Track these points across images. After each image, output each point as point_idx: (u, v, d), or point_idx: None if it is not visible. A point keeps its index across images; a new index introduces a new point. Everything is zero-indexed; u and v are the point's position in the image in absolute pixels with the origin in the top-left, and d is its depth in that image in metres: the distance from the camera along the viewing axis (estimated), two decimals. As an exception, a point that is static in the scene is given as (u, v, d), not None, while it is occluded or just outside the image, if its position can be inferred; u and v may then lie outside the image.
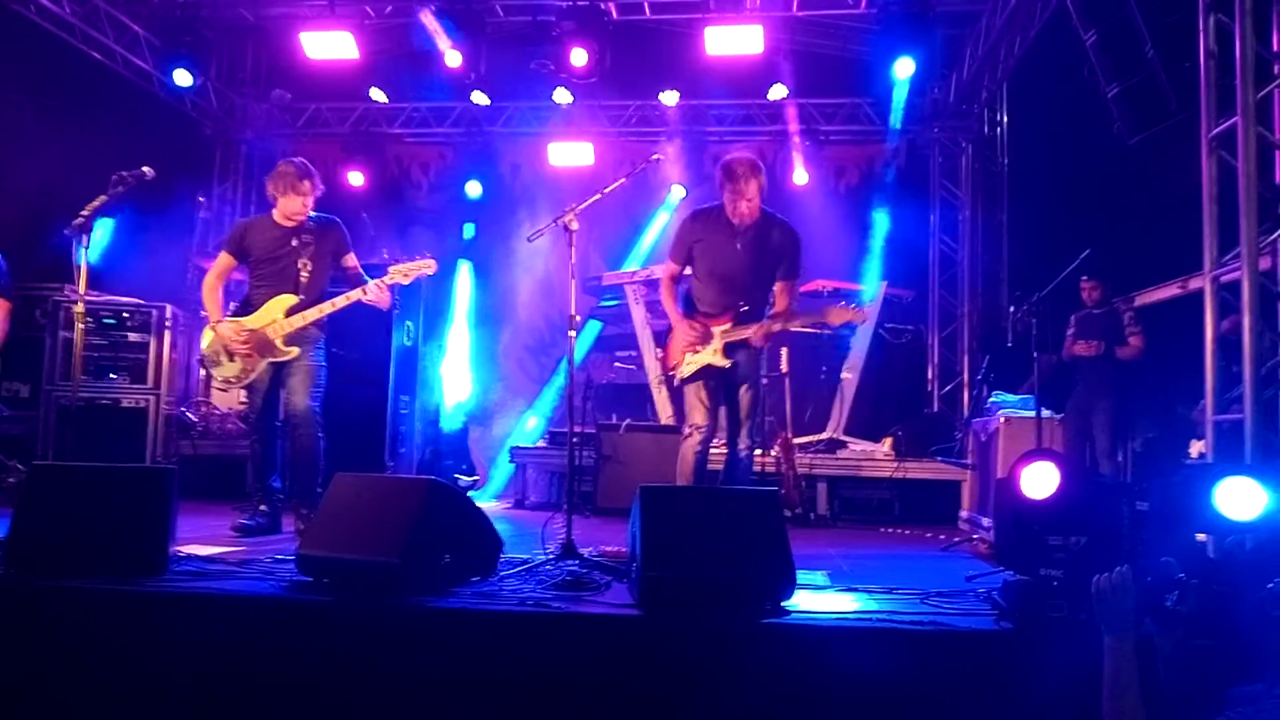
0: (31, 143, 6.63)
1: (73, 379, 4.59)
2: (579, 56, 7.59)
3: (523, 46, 8.29)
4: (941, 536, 5.57)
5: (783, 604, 3.02)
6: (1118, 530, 2.89)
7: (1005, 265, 8.90)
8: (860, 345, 7.87)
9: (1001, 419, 5.34)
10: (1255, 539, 2.80)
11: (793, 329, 4.97)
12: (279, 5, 8.15)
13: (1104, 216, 6.87)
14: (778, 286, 4.41)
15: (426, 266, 4.74)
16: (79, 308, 4.38)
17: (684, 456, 4.39)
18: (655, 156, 4.77)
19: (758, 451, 4.90)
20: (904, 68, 7.45)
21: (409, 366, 6.62)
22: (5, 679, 2.98)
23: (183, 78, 7.76)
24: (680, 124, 9.21)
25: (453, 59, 7.73)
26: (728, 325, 4.34)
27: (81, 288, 4.37)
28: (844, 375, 7.80)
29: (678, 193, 9.17)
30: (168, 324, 6.52)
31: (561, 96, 8.68)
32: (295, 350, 4.61)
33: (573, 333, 4.21)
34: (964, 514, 6.05)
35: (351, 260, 4.80)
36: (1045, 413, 5.13)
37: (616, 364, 8.52)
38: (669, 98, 8.97)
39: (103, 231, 5.97)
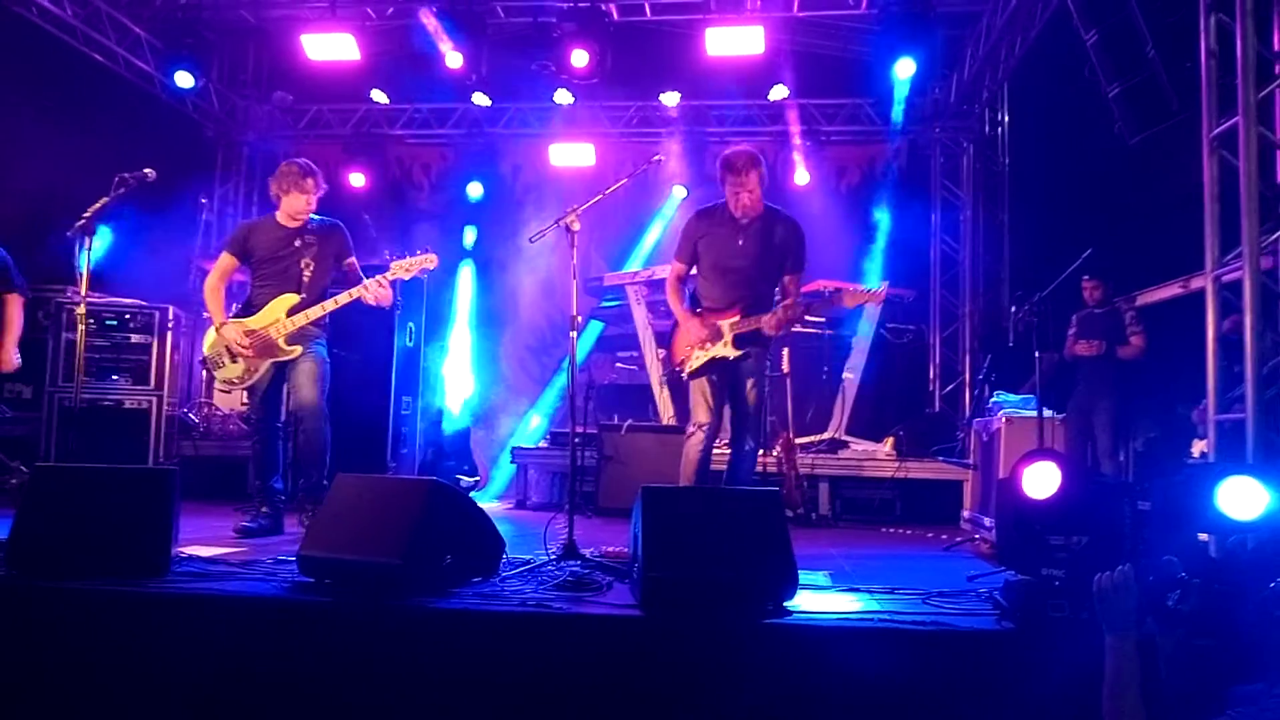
0: (33, 145, 6.64)
1: (75, 380, 4.60)
2: (580, 57, 7.60)
3: (524, 47, 8.30)
4: (943, 536, 5.57)
5: (785, 604, 3.02)
6: (1119, 530, 2.88)
7: (1007, 265, 8.90)
8: (862, 345, 7.86)
9: (1003, 419, 5.34)
10: (1257, 538, 2.80)
11: (809, 316, 4.97)
12: (280, 7, 8.16)
13: (1105, 216, 6.87)
14: (785, 279, 4.42)
15: (428, 261, 4.73)
16: (81, 309, 4.39)
17: (687, 454, 4.40)
18: (656, 157, 4.77)
19: (760, 451, 4.90)
20: (905, 68, 7.45)
21: (411, 367, 6.62)
22: (7, 680, 2.98)
23: (184, 79, 7.77)
24: (681, 124, 9.21)
25: (454, 60, 7.74)
26: (736, 318, 4.34)
27: (84, 289, 4.38)
28: (845, 375, 7.79)
29: (679, 193, 9.17)
30: (170, 325, 6.54)
31: (562, 97, 8.69)
32: (297, 349, 4.62)
33: (574, 333, 4.21)
34: (966, 514, 6.05)
35: (353, 263, 4.81)
36: (1047, 412, 5.13)
37: (618, 364, 8.52)
38: (670, 98, 8.98)
39: (105, 234, 5.98)
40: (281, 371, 4.66)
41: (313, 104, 9.59)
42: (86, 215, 4.35)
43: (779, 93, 8.73)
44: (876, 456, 6.98)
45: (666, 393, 7.68)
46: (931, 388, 9.01)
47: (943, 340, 9.07)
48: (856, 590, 3.44)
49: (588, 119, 9.25)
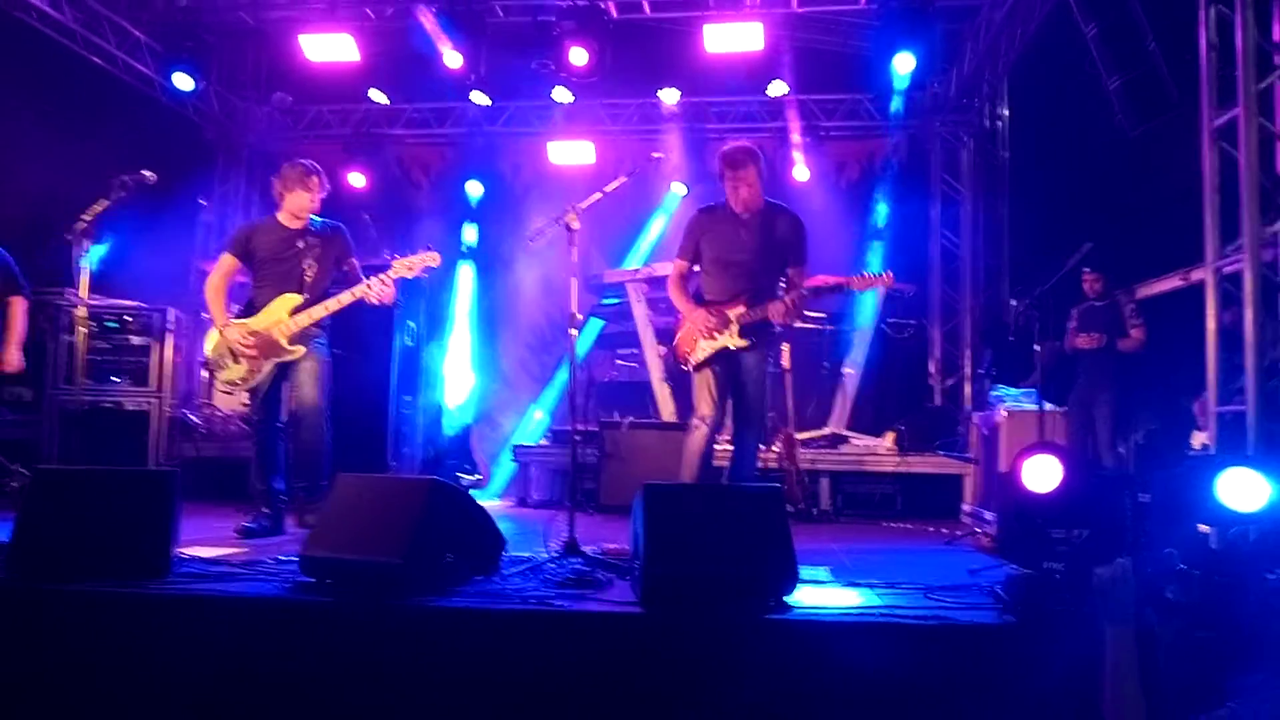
0: (33, 148, 6.65)
1: (75, 383, 4.60)
2: (579, 56, 7.59)
3: (523, 46, 8.29)
4: (944, 531, 5.56)
5: (786, 600, 3.02)
6: (1120, 522, 2.88)
7: (1007, 259, 8.89)
8: (862, 340, 7.86)
9: (1004, 412, 5.34)
10: (1258, 530, 2.80)
11: (810, 313, 4.97)
12: (279, 8, 8.16)
13: (1106, 209, 6.86)
14: (790, 273, 4.43)
15: (430, 259, 4.72)
16: (81, 311, 4.40)
17: (689, 447, 4.40)
18: (656, 155, 4.78)
19: (761, 447, 4.91)
20: (904, 62, 7.43)
21: (411, 366, 6.63)
22: (8, 682, 2.99)
23: (184, 82, 7.77)
24: (681, 122, 9.20)
25: (453, 60, 7.73)
26: (742, 309, 4.35)
27: (84, 292, 4.38)
28: (846, 370, 7.79)
29: (679, 190, 9.17)
30: (170, 327, 6.54)
31: (562, 96, 8.68)
32: (300, 349, 4.62)
33: (574, 331, 4.21)
34: (966, 508, 6.05)
35: (354, 265, 4.81)
36: (1047, 405, 5.12)
37: (618, 362, 8.52)
38: (669, 96, 8.97)
39: (106, 236, 5.98)
40: (283, 372, 4.66)
41: (312, 105, 9.60)
42: (85, 218, 4.35)
43: (778, 88, 8.72)
44: (877, 451, 6.98)
45: (667, 390, 7.68)
46: (932, 382, 9.00)
47: (943, 334, 9.06)
48: (858, 585, 3.43)
49: (587, 117, 9.24)
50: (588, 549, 3.81)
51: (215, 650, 2.97)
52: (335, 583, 3.18)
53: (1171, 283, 6.28)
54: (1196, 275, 5.00)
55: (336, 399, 4.80)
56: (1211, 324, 4.56)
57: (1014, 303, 5.75)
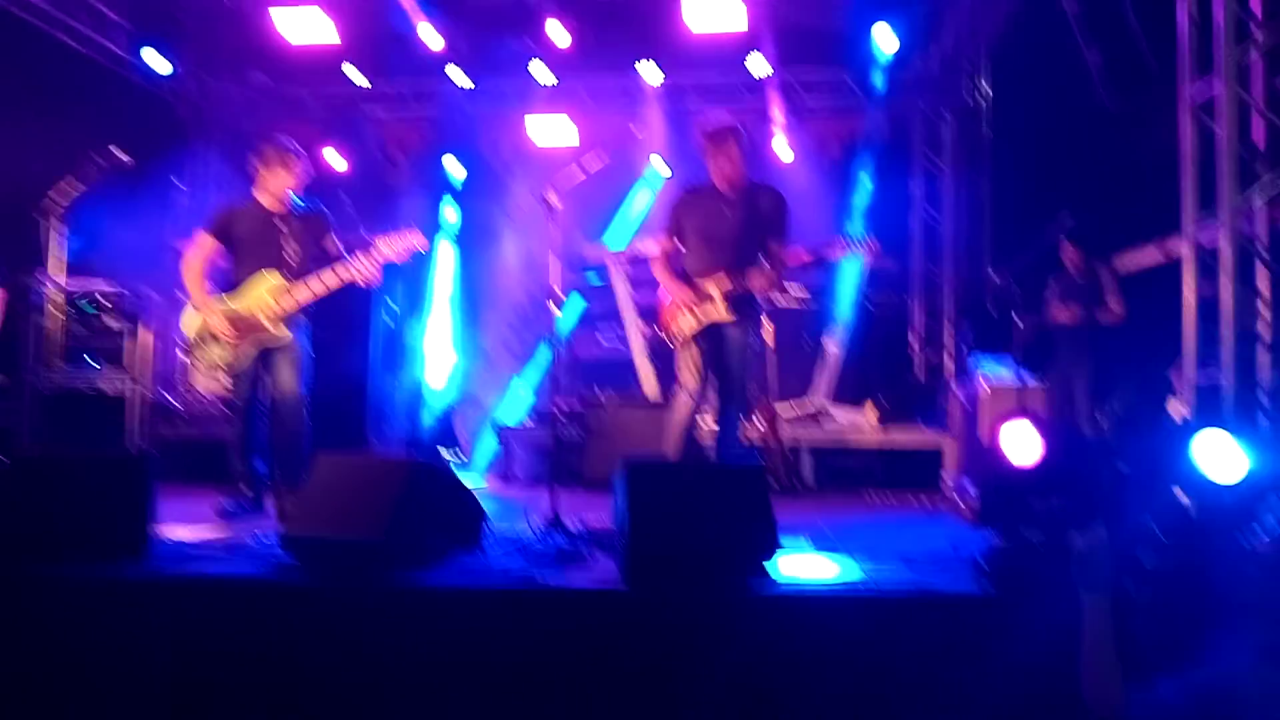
0: (2, 130, 6.53)
1: (51, 366, 4.54)
2: (559, 33, 7.51)
3: (502, 23, 8.20)
4: (926, 502, 5.60)
5: (768, 573, 3.03)
6: (1098, 491, 2.90)
7: (989, 233, 8.90)
8: (844, 315, 7.87)
9: (984, 384, 5.36)
10: (1233, 498, 2.82)
11: (792, 284, 4.97)
12: (252, -15, 8.02)
13: (1087, 183, 6.87)
14: (771, 247, 4.44)
15: (416, 240, 4.67)
16: (55, 294, 4.33)
17: (673, 420, 4.41)
18: (636, 133, 4.75)
19: (743, 421, 4.92)
20: (885, 39, 7.41)
21: (391, 344, 6.58)
22: (-12, 666, 2.97)
23: (158, 62, 7.63)
24: (662, 99, 9.13)
25: (430, 38, 7.63)
26: (724, 281, 4.36)
27: (57, 274, 4.32)
28: (828, 345, 7.80)
29: (660, 168, 9.12)
30: (146, 308, 6.46)
31: (541, 74, 8.59)
32: (285, 334, 4.58)
33: (555, 308, 4.20)
34: (947, 479, 6.09)
35: (334, 246, 4.75)
36: (1027, 376, 5.15)
37: (600, 339, 8.50)
38: (650, 73, 8.90)
39: (80, 218, 5.88)
40: (264, 353, 4.63)
41: (288, 84, 9.45)
42: (55, 197, 4.28)
43: (759, 65, 8.67)
44: (859, 424, 7.01)
45: (650, 366, 7.67)
46: (913, 356, 9.03)
47: (925, 309, 9.08)
48: (840, 557, 3.46)
49: (567, 95, 9.15)
50: (570, 525, 3.81)
51: (195, 631, 2.96)
52: (317, 562, 3.17)
53: (1150, 254, 6.31)
54: (1175, 247, 5.02)
55: (316, 378, 4.77)
56: (1189, 295, 4.59)
57: (994, 275, 5.76)
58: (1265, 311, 4.23)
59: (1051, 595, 2.65)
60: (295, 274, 4.59)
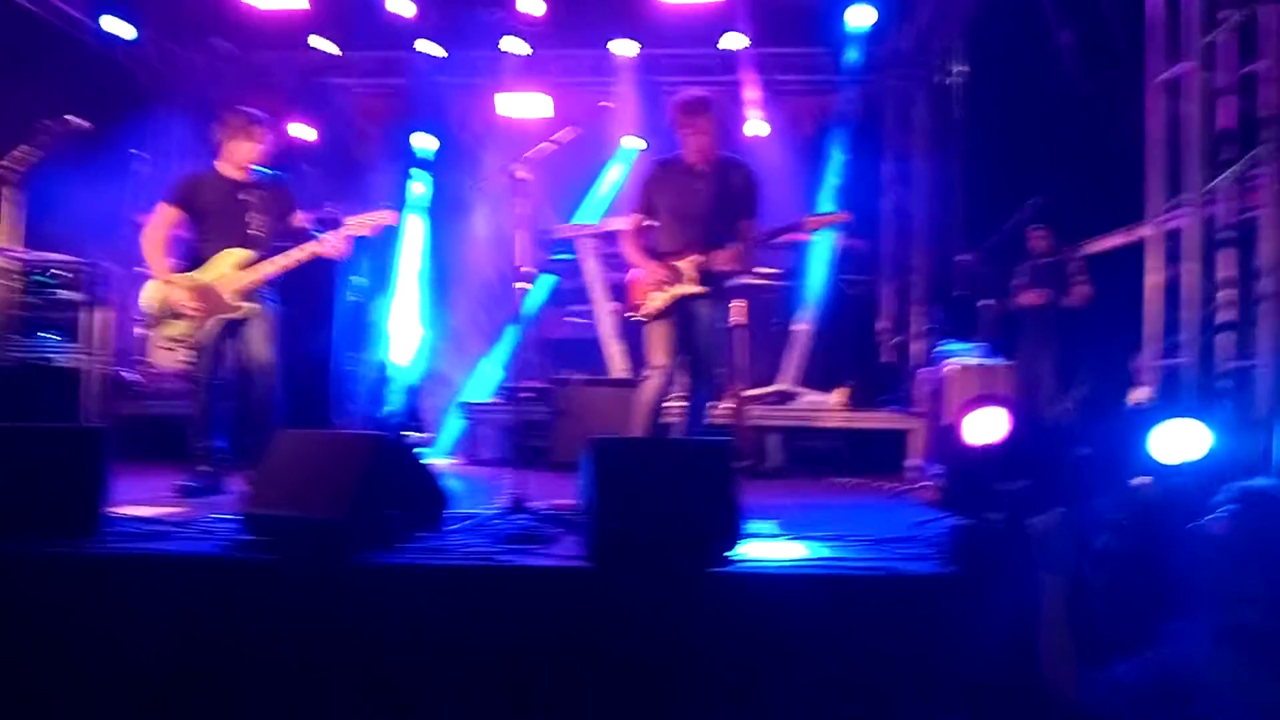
0: (-49, 94, 6.33)
1: (3, 339, 4.43)
2: (532, 4, 7.39)
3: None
4: (892, 484, 5.63)
5: (733, 553, 3.03)
6: (1059, 474, 2.92)
7: (960, 216, 8.92)
8: (814, 296, 7.87)
9: (951, 367, 5.39)
10: (1191, 480, 2.85)
11: (762, 270, 4.95)
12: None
13: (1057, 165, 6.90)
14: (741, 224, 4.41)
15: (386, 217, 4.63)
16: (10, 265, 4.22)
17: (641, 398, 4.40)
18: (605, 104, 4.70)
19: (711, 402, 4.91)
20: (860, 14, 7.38)
21: (356, 321, 6.50)
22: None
23: (118, 26, 7.42)
24: (636, 74, 9.04)
25: (401, 7, 7.49)
26: (694, 257, 4.31)
27: (13, 244, 4.20)
28: (797, 326, 7.81)
29: (633, 144, 9.04)
30: (103, 280, 6.32)
31: (514, 46, 8.47)
32: (248, 306, 4.50)
33: (523, 284, 4.16)
34: (912, 462, 6.13)
35: (299, 218, 4.67)
36: (993, 360, 5.18)
37: (569, 318, 8.44)
38: (624, 47, 8.80)
39: (33, 185, 5.72)
40: (228, 328, 4.54)
41: (254, 52, 9.25)
42: (10, 166, 4.16)
43: (733, 40, 8.60)
44: (827, 407, 7.02)
45: (618, 346, 7.64)
46: (882, 339, 9.06)
47: (894, 291, 9.10)
48: (805, 538, 3.46)
49: (540, 68, 9.03)
50: (536, 505, 3.79)
51: (150, 611, 2.91)
52: (276, 540, 3.13)
53: (1117, 239, 6.35)
54: (1141, 231, 5.06)
55: (280, 355, 4.69)
56: (1152, 279, 4.62)
57: (963, 258, 5.78)
58: (1226, 295, 4.27)
59: (1012, 576, 2.67)
60: (260, 247, 4.50)
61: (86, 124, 4.30)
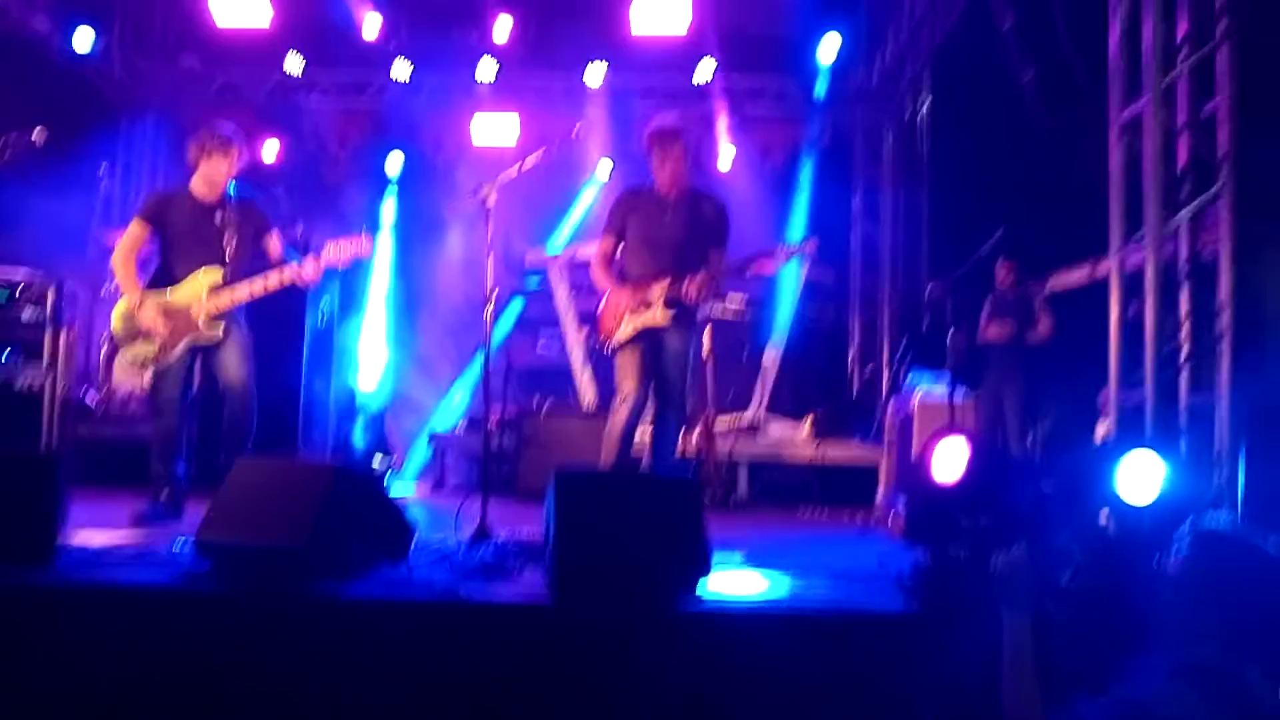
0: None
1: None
2: (503, 29, 7.43)
3: (445, 17, 8.09)
4: (859, 518, 5.65)
5: (697, 590, 3.01)
6: (1022, 510, 2.94)
7: (926, 248, 9.03)
8: (782, 327, 7.91)
9: (917, 400, 5.43)
10: (1151, 518, 2.89)
11: (728, 302, 4.97)
12: (187, -33, 7.79)
13: (1021, 200, 7.02)
14: (710, 254, 4.44)
15: (361, 246, 4.61)
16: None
17: (612, 427, 4.37)
18: (575, 131, 4.72)
19: (680, 432, 4.91)
20: (829, 46, 7.49)
21: (324, 347, 6.42)
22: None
23: (84, 40, 7.35)
24: (606, 101, 9.10)
25: (371, 28, 7.49)
26: (663, 285, 4.33)
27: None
28: (766, 357, 7.84)
29: (603, 170, 9.07)
30: (65, 299, 6.20)
31: (485, 70, 8.50)
32: (219, 330, 4.44)
33: (490, 310, 4.14)
34: (880, 495, 6.15)
35: (274, 240, 4.62)
36: (959, 393, 5.22)
37: (539, 347, 8.42)
38: (595, 74, 8.86)
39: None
40: (195, 351, 4.47)
41: (223, 69, 9.20)
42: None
43: (704, 70, 8.68)
44: (795, 440, 7.04)
45: (588, 374, 7.63)
46: (850, 370, 9.12)
47: (862, 322, 9.18)
48: (770, 573, 3.45)
49: (510, 93, 9.06)
50: (500, 536, 3.75)
51: (103, 642, 2.84)
52: (233, 569, 3.07)
53: (1081, 274, 6.45)
54: (1103, 267, 5.14)
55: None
56: (1115, 314, 4.69)
57: (928, 289, 5.84)
58: (1187, 331, 4.34)
59: (975, 613, 2.67)
60: (232, 269, 4.46)
61: (43, 134, 4.23)
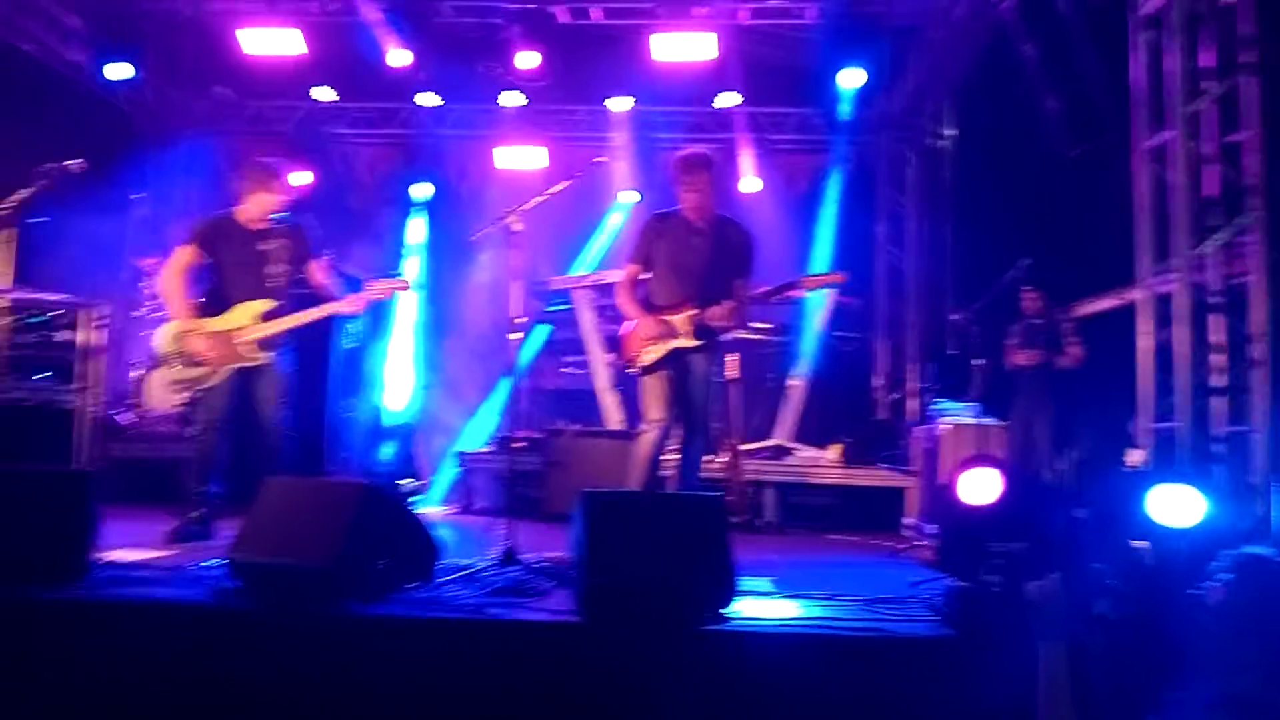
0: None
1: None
2: (527, 60, 7.54)
3: (470, 49, 8.22)
4: (887, 543, 5.59)
5: (725, 611, 2.99)
6: (1055, 537, 2.91)
7: (951, 275, 9.02)
8: (808, 352, 7.90)
9: (946, 426, 5.40)
10: (1188, 545, 2.85)
11: (757, 324, 4.97)
12: (220, -1, 7.96)
13: (1046, 228, 7.00)
14: (735, 283, 4.44)
15: (401, 285, 4.75)
16: (3, 304, 4.22)
17: (638, 452, 4.37)
18: (598, 160, 4.77)
19: (706, 456, 4.90)
20: (851, 78, 7.54)
21: (351, 369, 6.48)
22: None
23: (119, 71, 7.52)
24: (631, 130, 9.18)
25: (398, 59, 7.62)
26: (689, 313, 4.34)
27: (6, 283, 4.20)
28: (792, 382, 7.82)
29: (627, 199, 9.14)
30: (99, 323, 6.29)
31: (510, 100, 8.61)
32: (265, 356, 4.52)
33: (517, 335, 4.16)
34: (907, 521, 6.10)
35: (317, 267, 4.70)
36: (987, 419, 5.19)
37: (564, 369, 8.45)
38: (619, 104, 8.95)
39: (29, 227, 5.73)
40: (245, 374, 4.54)
41: (254, 100, 9.37)
42: (4, 207, 4.18)
43: (727, 100, 8.75)
44: (822, 463, 7.00)
45: (613, 397, 7.63)
46: (876, 396, 9.09)
47: (888, 349, 9.16)
48: (798, 597, 3.43)
49: (535, 123, 9.18)
50: (528, 557, 3.75)
51: (135, 657, 2.86)
52: (263, 588, 3.08)
53: (1109, 301, 6.41)
54: (1131, 295, 5.11)
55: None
56: (1144, 342, 4.66)
57: (954, 316, 5.82)
58: (1218, 360, 4.31)
59: (1008, 641, 2.64)
60: (278, 298, 4.55)
61: (82, 165, 4.33)
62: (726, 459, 6.40)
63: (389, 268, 4.71)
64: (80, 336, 6.17)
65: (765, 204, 9.02)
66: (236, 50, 7.91)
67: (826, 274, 4.51)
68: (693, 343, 4.34)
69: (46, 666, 2.86)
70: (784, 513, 6.79)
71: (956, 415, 5.59)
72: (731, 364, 6.46)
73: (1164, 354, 4.52)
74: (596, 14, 7.85)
